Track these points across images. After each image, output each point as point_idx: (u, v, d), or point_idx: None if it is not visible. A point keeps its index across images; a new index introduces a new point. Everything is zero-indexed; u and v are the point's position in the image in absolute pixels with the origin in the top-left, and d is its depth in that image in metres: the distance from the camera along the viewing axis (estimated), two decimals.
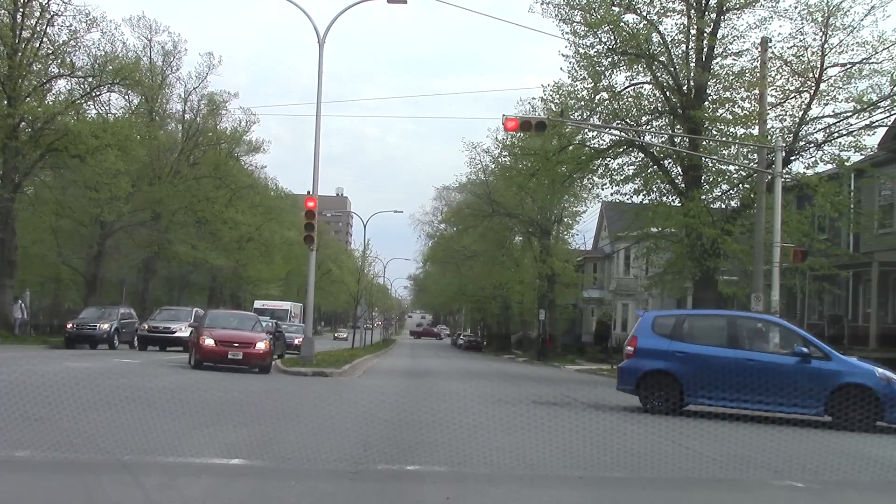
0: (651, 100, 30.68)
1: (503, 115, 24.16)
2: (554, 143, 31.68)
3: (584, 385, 26.97)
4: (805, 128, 28.69)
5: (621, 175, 31.34)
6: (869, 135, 28.31)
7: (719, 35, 29.23)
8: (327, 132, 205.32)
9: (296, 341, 36.69)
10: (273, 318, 46.11)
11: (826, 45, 27.82)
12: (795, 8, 28.14)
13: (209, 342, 22.40)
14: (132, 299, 54.31)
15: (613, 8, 28.78)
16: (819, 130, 28.78)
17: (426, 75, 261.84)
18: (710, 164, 30.22)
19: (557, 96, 30.70)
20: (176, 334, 33.76)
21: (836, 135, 28.25)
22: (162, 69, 49.83)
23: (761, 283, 25.99)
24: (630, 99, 30.42)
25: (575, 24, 29.49)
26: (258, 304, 57.13)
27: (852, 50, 27.70)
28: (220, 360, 22.21)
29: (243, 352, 22.45)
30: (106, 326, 34.06)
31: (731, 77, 29.03)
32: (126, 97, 44.94)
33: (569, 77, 30.27)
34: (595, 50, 29.68)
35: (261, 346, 22.86)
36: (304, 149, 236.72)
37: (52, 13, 36.15)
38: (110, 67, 37.93)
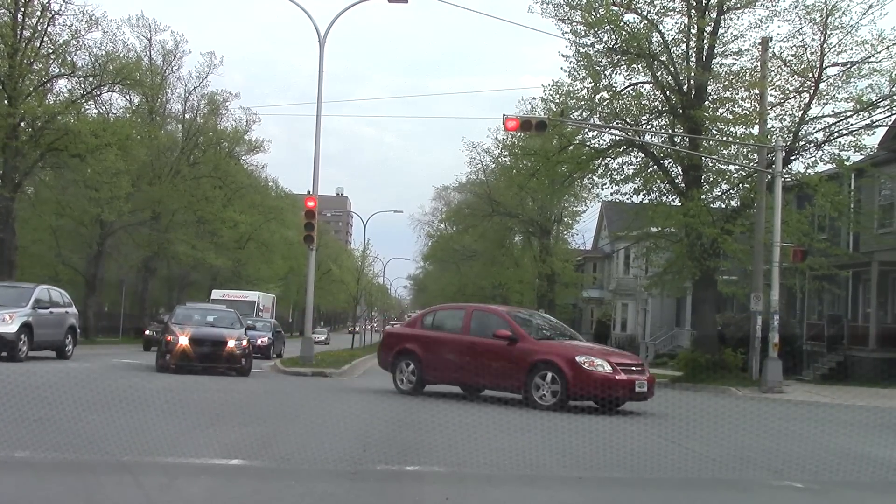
0: (651, 99, 30.66)
1: (503, 115, 24.15)
2: (554, 142, 31.68)
3: None
4: (805, 127, 28.70)
5: (621, 175, 31.32)
6: (869, 134, 28.36)
7: (719, 34, 29.24)
8: (325, 132, 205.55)
9: (259, 341, 28.58)
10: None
11: (825, 45, 27.85)
12: (794, 8, 28.18)
13: (605, 367, 14.85)
14: (132, 299, 54.40)
15: (613, 7, 28.75)
16: (819, 130, 28.81)
17: (423, 75, 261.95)
18: (711, 164, 30.21)
19: (557, 96, 30.67)
20: None
21: (835, 134, 28.27)
22: (162, 69, 49.90)
23: (761, 283, 26.01)
24: (630, 98, 30.38)
25: (574, 23, 29.49)
26: (216, 293, 46.03)
27: (851, 49, 27.75)
28: (625, 394, 15.03)
29: (647, 380, 15.50)
30: None
31: (732, 77, 29.03)
32: (126, 97, 45.07)
33: (569, 77, 30.26)
34: (595, 49, 29.66)
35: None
36: (302, 149, 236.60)
37: (52, 12, 36.14)
38: (111, 67, 37.95)
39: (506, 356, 15.55)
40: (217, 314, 23.86)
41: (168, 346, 20.64)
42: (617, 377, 14.71)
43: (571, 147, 31.26)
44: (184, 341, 20.49)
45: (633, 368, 15.30)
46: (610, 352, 16.71)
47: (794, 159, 29.19)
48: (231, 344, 20.78)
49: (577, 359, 14.86)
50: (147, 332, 36.90)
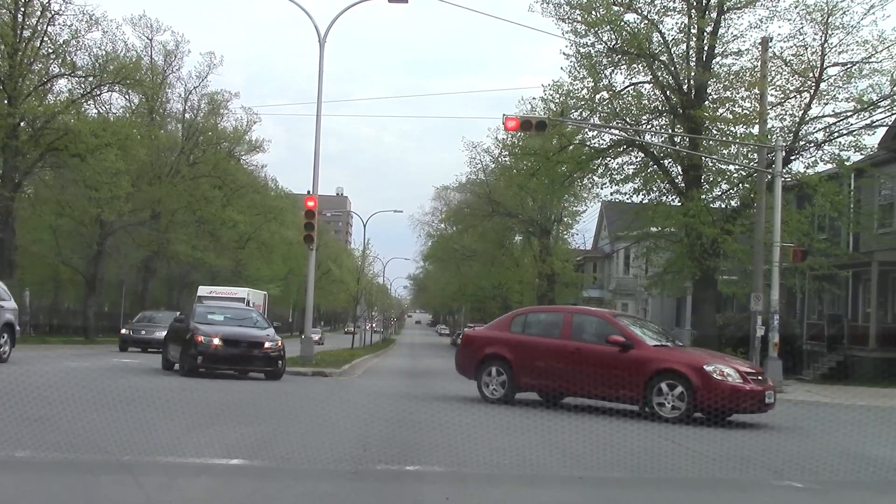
0: (651, 99, 30.72)
1: (503, 115, 24.14)
2: (554, 142, 31.71)
3: None
4: (805, 127, 28.75)
5: (621, 174, 31.38)
6: (869, 134, 28.45)
7: (719, 34, 29.25)
8: (325, 132, 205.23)
9: None
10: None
11: (826, 45, 27.92)
12: (795, 7, 28.22)
13: (734, 377, 13.80)
14: (132, 299, 54.41)
15: (613, 7, 28.79)
16: (819, 130, 28.88)
17: (423, 75, 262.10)
18: (711, 164, 30.24)
19: (557, 96, 30.73)
20: None
21: (836, 134, 28.33)
22: (163, 69, 49.91)
23: (761, 283, 25.98)
24: (630, 98, 30.44)
25: (575, 23, 29.55)
26: (203, 290, 42.90)
27: (852, 49, 27.82)
28: (753, 405, 14.01)
29: (772, 389, 14.56)
30: None
31: (732, 76, 29.07)
32: (126, 97, 45.07)
33: (569, 76, 30.36)
34: (595, 49, 29.73)
35: None
36: (301, 149, 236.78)
37: (52, 12, 36.21)
38: (111, 67, 37.99)
39: (620, 364, 14.28)
40: (238, 313, 21.90)
41: (198, 348, 18.70)
42: (747, 387, 13.73)
43: (571, 147, 31.28)
44: (217, 342, 18.76)
45: (759, 378, 14.31)
46: (732, 360, 15.40)
47: (794, 159, 29.23)
48: (267, 345, 19.25)
49: (706, 368, 13.74)
50: (123, 330, 34.72)
